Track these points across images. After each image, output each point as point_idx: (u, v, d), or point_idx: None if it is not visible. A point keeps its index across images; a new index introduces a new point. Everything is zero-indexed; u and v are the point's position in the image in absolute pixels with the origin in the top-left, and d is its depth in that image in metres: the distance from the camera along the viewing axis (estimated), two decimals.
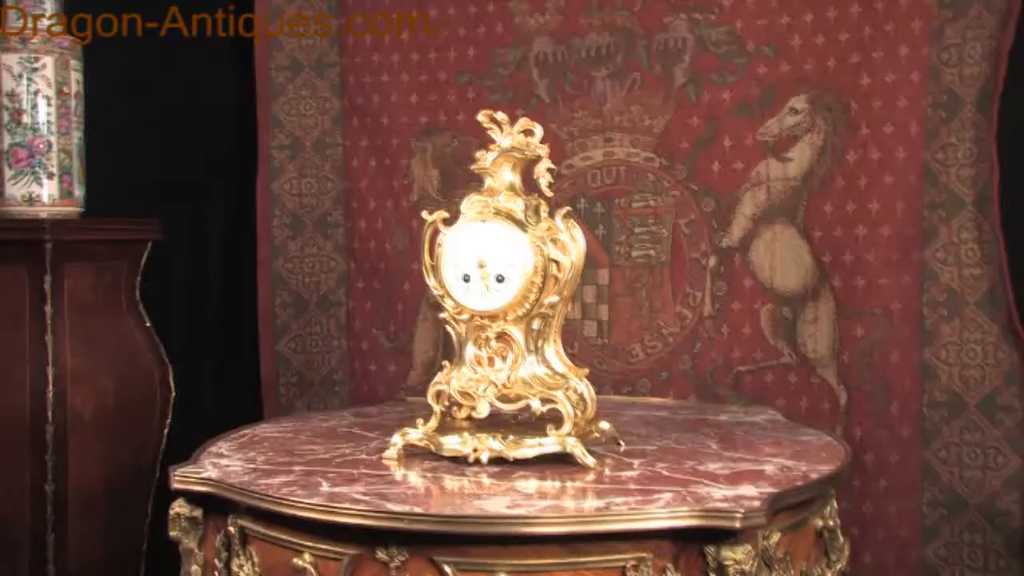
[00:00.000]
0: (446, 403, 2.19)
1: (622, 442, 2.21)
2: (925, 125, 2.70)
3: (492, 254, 2.10)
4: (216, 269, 3.54)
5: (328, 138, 3.39)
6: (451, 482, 1.96)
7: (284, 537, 1.85)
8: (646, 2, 3.00)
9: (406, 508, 1.75)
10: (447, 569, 1.70)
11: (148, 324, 3.27)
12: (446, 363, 2.23)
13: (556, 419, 2.12)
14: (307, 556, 1.81)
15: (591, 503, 1.75)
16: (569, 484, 1.93)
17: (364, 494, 1.84)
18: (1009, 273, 2.58)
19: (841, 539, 2.05)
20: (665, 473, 1.97)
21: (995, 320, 2.65)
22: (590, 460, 2.03)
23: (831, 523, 2.00)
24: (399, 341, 3.32)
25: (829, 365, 2.81)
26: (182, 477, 2.00)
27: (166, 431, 3.31)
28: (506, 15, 3.15)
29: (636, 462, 2.07)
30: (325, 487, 1.90)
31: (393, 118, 3.28)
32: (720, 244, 2.94)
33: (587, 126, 3.09)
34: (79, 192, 3.13)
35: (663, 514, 1.70)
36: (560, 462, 2.05)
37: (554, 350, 2.18)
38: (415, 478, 2.00)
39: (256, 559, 1.91)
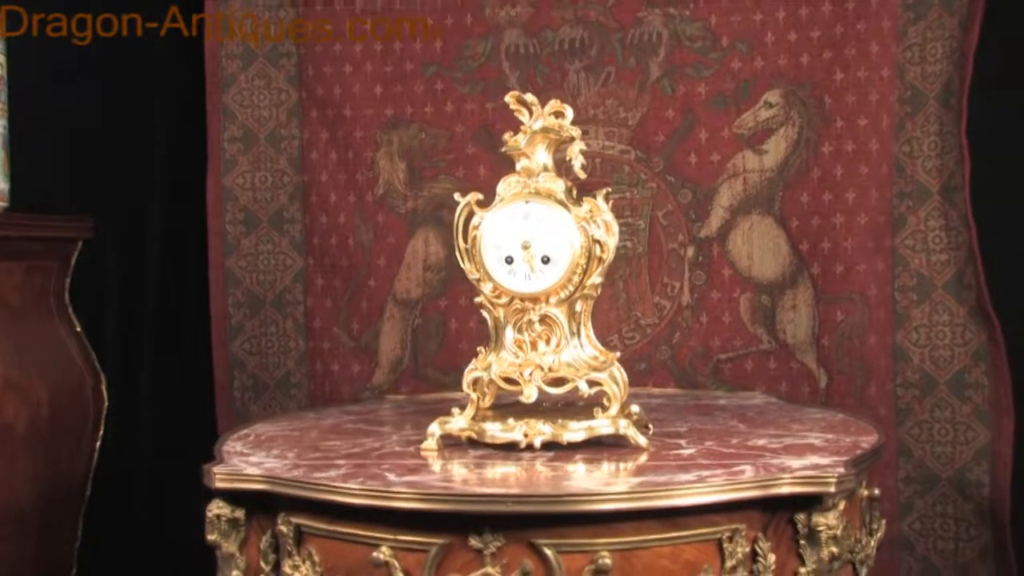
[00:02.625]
0: (484, 390, 2.13)
1: (651, 425, 2.21)
2: (895, 119, 2.83)
3: (537, 235, 2.07)
4: (156, 269, 3.33)
5: (283, 130, 3.26)
6: (513, 467, 1.90)
7: (353, 531, 1.75)
8: None
9: (503, 490, 1.69)
10: (548, 552, 1.65)
11: (79, 329, 3.06)
12: (481, 349, 2.18)
13: (591, 403, 2.11)
14: (385, 549, 1.71)
15: (683, 476, 1.74)
16: (636, 463, 1.91)
17: (445, 480, 1.76)
18: (980, 257, 2.72)
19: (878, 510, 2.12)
20: (722, 449, 1.98)
21: (962, 302, 2.80)
22: (642, 440, 2.03)
23: (875, 492, 2.06)
24: (363, 340, 3.22)
25: (808, 350, 2.90)
26: (225, 475, 1.86)
27: (98, 444, 3.11)
28: (475, 6, 3.11)
29: (682, 442, 2.08)
30: (393, 477, 1.81)
31: (356, 110, 3.19)
32: (698, 235, 2.99)
33: None
34: (4, 185, 2.90)
35: (758, 482, 1.71)
36: (603, 445, 2.03)
37: (586, 333, 2.17)
38: (467, 467, 1.93)
39: (317, 558, 1.80)
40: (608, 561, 1.63)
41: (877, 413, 2.85)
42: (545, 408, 2.17)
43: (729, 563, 1.70)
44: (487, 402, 2.17)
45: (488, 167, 3.14)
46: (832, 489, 1.71)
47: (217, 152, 3.23)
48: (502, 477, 1.82)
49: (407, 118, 3.18)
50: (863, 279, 2.84)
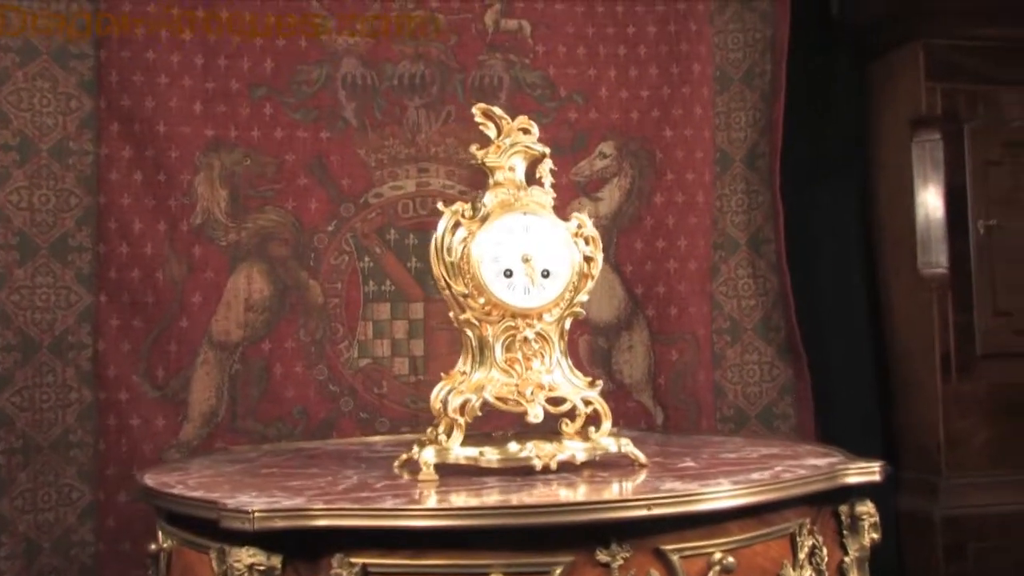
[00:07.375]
0: (478, 413, 1.98)
1: None
2: (715, 175, 3.13)
3: (538, 248, 2.00)
4: None
5: (73, 143, 2.77)
6: (555, 487, 1.77)
7: (449, 562, 1.52)
8: (462, 38, 3.03)
9: (638, 494, 1.57)
10: (673, 559, 1.57)
11: None
12: (444, 375, 2.02)
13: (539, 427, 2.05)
14: None
15: (756, 476, 1.76)
16: (659, 475, 1.87)
17: (546, 496, 1.59)
18: (793, 300, 3.07)
19: None
20: (722, 462, 2.01)
21: (769, 343, 3.12)
22: (642, 457, 2.01)
23: None
24: (170, 389, 2.79)
25: (645, 389, 3.04)
26: (266, 513, 1.51)
27: None
28: (310, 30, 2.92)
29: (661, 459, 2.08)
30: (466, 497, 1.60)
31: (172, 127, 2.81)
32: None
33: (398, 155, 2.98)
34: None
35: (827, 475, 1.78)
36: (599, 465, 1.97)
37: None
38: (505, 491, 1.76)
39: None
40: (732, 560, 1.60)
41: None
42: (519, 433, 2.07)
43: (800, 555, 1.74)
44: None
45: (321, 200, 2.93)
46: (878, 478, 1.83)
47: None
48: (584, 493, 1.70)
49: (231, 141, 2.87)
50: (694, 320, 3.06)
